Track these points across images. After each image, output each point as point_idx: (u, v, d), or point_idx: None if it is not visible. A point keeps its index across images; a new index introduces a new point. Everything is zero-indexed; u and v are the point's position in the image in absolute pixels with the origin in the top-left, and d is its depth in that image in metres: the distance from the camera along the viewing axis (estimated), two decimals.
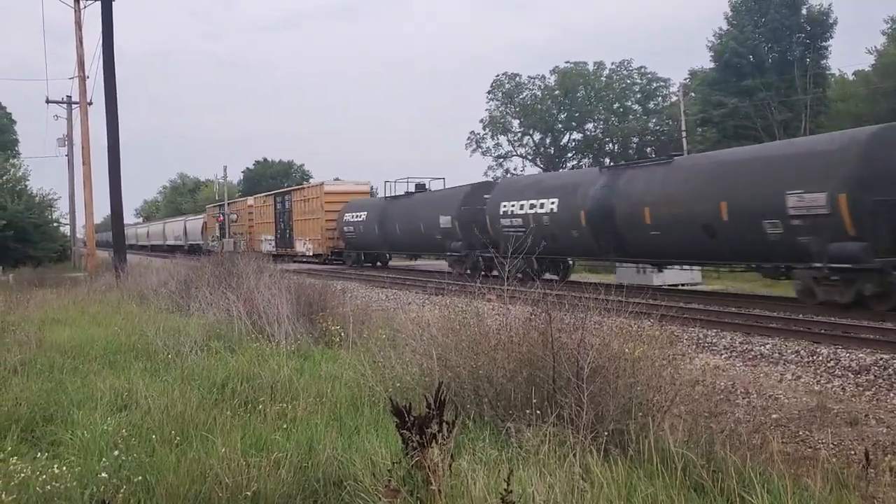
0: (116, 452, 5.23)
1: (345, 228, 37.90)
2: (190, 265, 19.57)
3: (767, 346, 11.90)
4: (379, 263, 38.57)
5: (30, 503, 4.59)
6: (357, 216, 36.80)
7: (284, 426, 5.99)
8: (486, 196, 26.93)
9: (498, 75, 69.93)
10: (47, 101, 43.93)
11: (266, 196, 51.75)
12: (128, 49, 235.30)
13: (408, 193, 34.84)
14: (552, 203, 22.74)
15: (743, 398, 9.06)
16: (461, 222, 27.55)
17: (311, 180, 78.05)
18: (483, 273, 23.52)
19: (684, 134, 46.73)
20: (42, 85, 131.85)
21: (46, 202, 43.74)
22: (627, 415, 5.48)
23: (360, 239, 36.63)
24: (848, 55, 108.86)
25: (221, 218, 58.87)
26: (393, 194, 35.49)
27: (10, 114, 66.32)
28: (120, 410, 6.92)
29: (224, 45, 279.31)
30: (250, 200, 55.94)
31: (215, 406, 6.81)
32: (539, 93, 68.39)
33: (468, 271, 25.40)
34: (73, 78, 33.80)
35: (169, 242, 73.34)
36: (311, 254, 41.99)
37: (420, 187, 34.90)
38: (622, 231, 19.98)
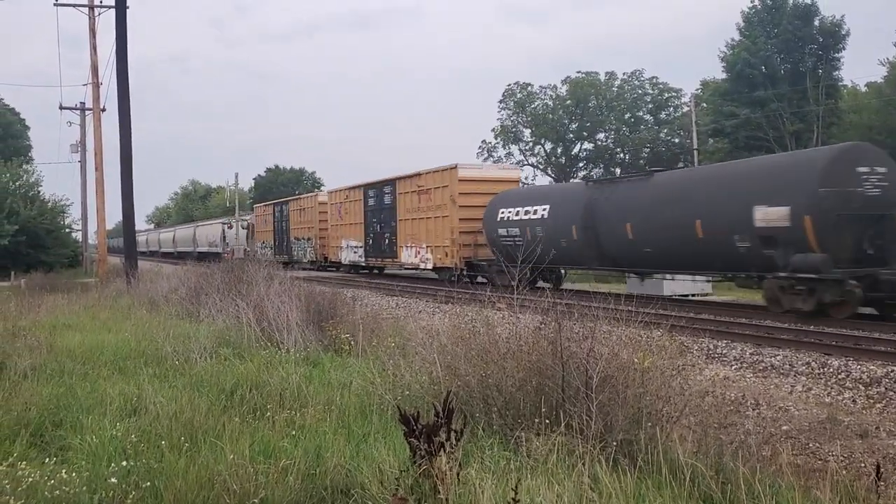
0: (125, 460, 5.23)
1: (500, 231, 24.79)
2: (200, 272, 19.60)
3: (778, 358, 11.83)
4: (542, 283, 22.46)
5: None
6: (527, 213, 23.78)
7: (293, 433, 6.00)
8: (861, 169, 15.11)
9: (510, 85, 70.02)
10: (61, 108, 44.39)
11: (351, 189, 37.29)
12: (141, 55, 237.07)
13: (644, 173, 22.91)
14: None
15: (753, 409, 9.01)
16: (822, 217, 14.80)
17: (322, 188, 77.93)
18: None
19: (696, 145, 46.70)
20: (56, 91, 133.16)
21: (59, 208, 44.08)
22: (636, 425, 5.46)
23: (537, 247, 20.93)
24: (861, 66, 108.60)
25: (231, 226, 57.60)
26: (604, 177, 23.94)
27: (24, 120, 67.03)
28: (129, 416, 6.94)
29: (238, 53, 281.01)
30: (322, 196, 42.75)
31: (224, 412, 6.82)
32: (550, 102, 68.41)
33: (819, 307, 15.04)
34: (86, 84, 33.96)
35: (200, 249, 62.06)
36: (428, 266, 28.91)
37: (659, 162, 21.51)
38: None
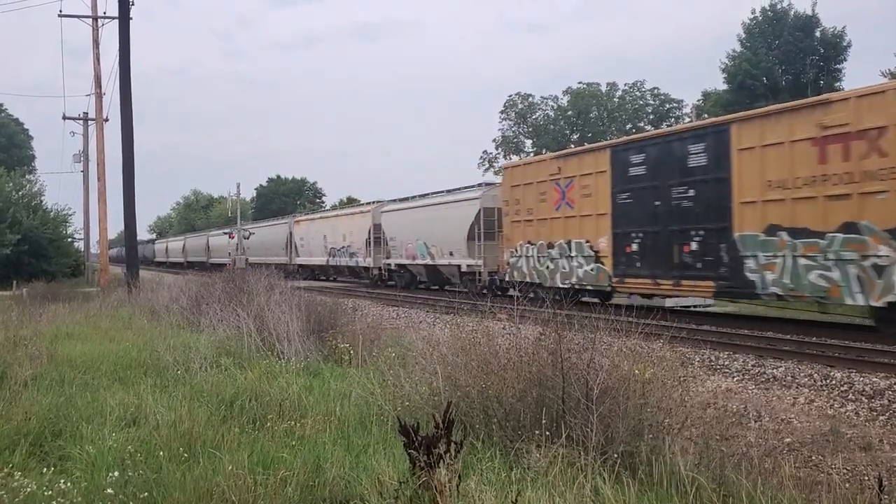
0: (117, 472, 5.20)
1: None
2: (202, 281, 19.58)
3: (780, 369, 11.79)
4: None
5: None
6: None
7: (292, 444, 5.97)
8: None
9: (511, 95, 70.34)
10: (64, 118, 44.52)
11: None
12: (144, 66, 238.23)
13: None
14: None
15: (755, 421, 8.96)
16: None
17: (323, 198, 77.68)
18: None
19: None
20: (60, 101, 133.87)
21: (61, 217, 44.09)
22: (637, 437, 5.44)
23: None
24: (862, 78, 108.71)
25: (233, 235, 57.04)
26: None
27: (28, 130, 67.33)
28: (128, 426, 6.91)
29: (239, 64, 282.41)
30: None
31: (223, 423, 6.80)
32: (552, 113, 68.63)
33: None
34: (89, 95, 34.07)
35: (312, 260, 45.12)
36: None
37: None
38: None
